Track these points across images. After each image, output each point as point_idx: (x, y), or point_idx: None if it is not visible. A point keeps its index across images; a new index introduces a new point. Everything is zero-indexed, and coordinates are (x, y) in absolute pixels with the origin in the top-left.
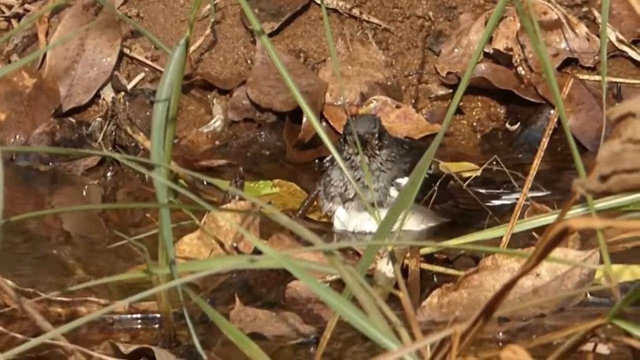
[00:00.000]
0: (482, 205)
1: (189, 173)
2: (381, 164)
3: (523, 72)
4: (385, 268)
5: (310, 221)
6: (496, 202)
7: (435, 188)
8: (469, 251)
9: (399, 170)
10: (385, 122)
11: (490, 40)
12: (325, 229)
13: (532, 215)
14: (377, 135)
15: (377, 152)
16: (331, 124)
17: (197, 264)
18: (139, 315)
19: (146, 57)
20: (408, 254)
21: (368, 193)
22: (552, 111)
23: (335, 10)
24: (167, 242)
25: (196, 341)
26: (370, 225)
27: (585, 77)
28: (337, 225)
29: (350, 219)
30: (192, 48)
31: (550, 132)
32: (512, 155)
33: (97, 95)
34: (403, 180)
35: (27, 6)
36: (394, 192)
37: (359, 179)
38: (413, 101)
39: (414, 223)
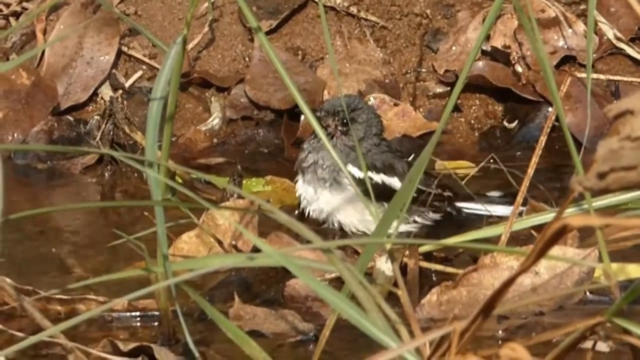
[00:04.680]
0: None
1: (187, 171)
2: (345, 145)
3: (521, 70)
4: (384, 266)
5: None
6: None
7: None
8: (468, 249)
9: (354, 159)
10: (383, 119)
11: (488, 37)
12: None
13: (531, 213)
14: (340, 117)
15: (338, 133)
16: None
17: (196, 262)
18: (137, 313)
19: (144, 55)
20: (407, 252)
21: (319, 169)
22: (550, 109)
23: (333, 8)
24: (161, 239)
25: (189, 339)
26: (321, 202)
27: (583, 74)
28: (298, 193)
29: (306, 192)
30: (190, 46)
31: (548, 129)
32: (510, 153)
33: (95, 94)
34: (352, 169)
35: (25, 4)
36: (338, 177)
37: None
38: (411, 99)
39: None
